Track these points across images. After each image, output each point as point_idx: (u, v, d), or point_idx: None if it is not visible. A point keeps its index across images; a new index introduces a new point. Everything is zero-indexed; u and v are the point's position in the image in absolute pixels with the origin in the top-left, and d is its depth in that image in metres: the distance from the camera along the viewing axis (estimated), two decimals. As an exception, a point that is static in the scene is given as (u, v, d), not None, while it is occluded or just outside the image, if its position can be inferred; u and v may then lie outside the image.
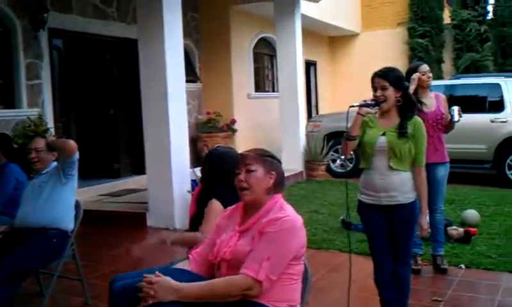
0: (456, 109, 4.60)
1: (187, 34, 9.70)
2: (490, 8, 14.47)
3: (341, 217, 6.42)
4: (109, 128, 9.24)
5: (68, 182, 3.97)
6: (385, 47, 15.17)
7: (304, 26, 10.92)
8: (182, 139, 6.81)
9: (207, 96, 11.10)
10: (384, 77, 3.28)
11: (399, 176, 3.27)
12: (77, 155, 3.95)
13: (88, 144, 9.09)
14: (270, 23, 10.93)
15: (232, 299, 2.24)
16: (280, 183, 2.50)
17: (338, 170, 10.43)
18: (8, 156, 4.89)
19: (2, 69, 7.29)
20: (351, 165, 10.03)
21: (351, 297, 3.51)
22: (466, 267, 4.84)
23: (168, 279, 2.20)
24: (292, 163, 10.11)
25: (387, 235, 3.36)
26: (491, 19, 14.34)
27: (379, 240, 3.38)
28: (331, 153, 10.32)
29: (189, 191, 6.57)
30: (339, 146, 9.51)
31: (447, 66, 14.75)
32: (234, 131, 10.84)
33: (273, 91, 12.73)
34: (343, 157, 10.08)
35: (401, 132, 3.24)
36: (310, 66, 15.20)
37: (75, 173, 4.04)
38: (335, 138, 10.00)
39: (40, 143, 4.08)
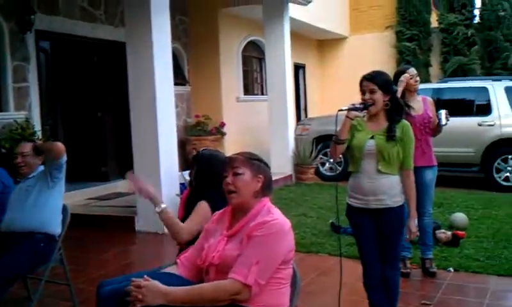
0: (443, 112, 4.63)
1: (175, 37, 9.67)
2: (477, 12, 14.58)
3: (330, 221, 6.43)
4: (97, 131, 9.18)
5: (55, 186, 3.93)
6: (373, 51, 15.24)
7: (293, 29, 10.94)
8: (171, 142, 6.78)
9: (196, 99, 11.07)
10: (373, 80, 3.29)
11: (388, 180, 3.28)
12: (64, 158, 3.92)
13: (76, 147, 9.01)
14: (259, 26, 10.94)
15: (220, 303, 2.22)
16: (267, 187, 2.49)
17: (327, 173, 10.46)
18: (-6, 160, 4.84)
19: (-12, 72, 7.22)
20: (340, 169, 10.05)
21: (341, 301, 3.51)
22: (455, 270, 4.86)
23: (156, 283, 2.18)
24: (281, 166, 10.13)
25: (376, 239, 3.36)
26: (478, 23, 14.46)
27: (368, 244, 3.39)
28: (320, 156, 10.34)
29: (177, 194, 6.53)
30: (328, 150, 9.53)
31: (434, 69, 14.85)
32: (223, 134, 10.82)
33: (262, 94, 12.73)
34: (332, 160, 10.11)
35: (389, 135, 3.26)
36: (298, 69, 15.23)
37: (63, 176, 4.01)
38: (324, 141, 10.02)
39: (26, 148, 4.04)
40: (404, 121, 3.36)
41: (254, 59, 12.80)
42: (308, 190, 9.27)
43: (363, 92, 3.33)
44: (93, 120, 9.14)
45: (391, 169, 3.28)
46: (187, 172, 3.47)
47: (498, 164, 8.89)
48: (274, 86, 10.33)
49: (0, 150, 6.06)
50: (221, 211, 2.61)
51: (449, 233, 5.65)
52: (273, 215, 2.36)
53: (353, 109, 3.25)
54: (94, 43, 8.90)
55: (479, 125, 8.97)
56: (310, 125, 10.93)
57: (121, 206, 7.47)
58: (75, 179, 8.14)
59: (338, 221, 4.47)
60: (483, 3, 14.42)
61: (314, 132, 10.49)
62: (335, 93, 15.12)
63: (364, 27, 15.85)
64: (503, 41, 13.94)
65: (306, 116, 15.03)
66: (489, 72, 13.72)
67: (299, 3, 10.65)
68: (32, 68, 7.62)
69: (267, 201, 2.47)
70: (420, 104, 4.75)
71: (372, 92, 3.27)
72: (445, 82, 10.33)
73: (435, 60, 14.89)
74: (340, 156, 3.38)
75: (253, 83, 12.83)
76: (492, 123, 8.90)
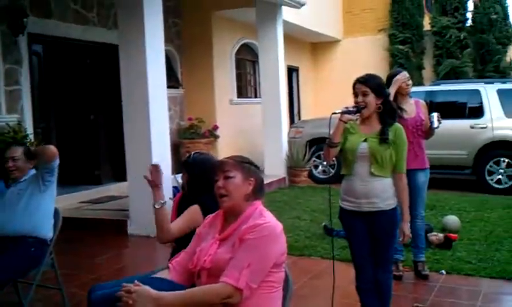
0: (435, 115, 4.65)
1: (168, 39, 9.66)
2: (469, 15, 14.64)
3: (323, 223, 6.44)
4: (90, 134, 9.15)
5: (46, 189, 3.91)
6: (366, 53, 15.27)
7: (286, 32, 10.95)
8: (164, 145, 6.76)
9: (189, 102, 11.05)
10: (366, 83, 3.30)
11: (381, 183, 3.29)
12: (57, 161, 3.90)
13: (68, 150, 8.98)
14: (252, 29, 10.95)
15: (212, 307, 2.22)
16: (259, 190, 2.49)
17: (321, 176, 10.47)
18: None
19: (-20, 75, 7.18)
20: (333, 171, 10.04)
21: (334, 304, 3.51)
22: (447, 272, 4.87)
23: (147, 288, 2.17)
24: (275, 169, 10.14)
25: (368, 242, 3.37)
26: (470, 26, 14.52)
27: (361, 247, 3.39)
28: (314, 159, 10.35)
29: (170, 198, 6.50)
30: (321, 152, 9.54)
31: (427, 72, 14.89)
32: (216, 137, 10.81)
33: (255, 97, 12.73)
34: (325, 163, 10.12)
35: (382, 138, 3.27)
36: (292, 72, 15.25)
37: (54, 180, 3.99)
38: (317, 144, 10.03)
39: (17, 152, 4.01)
40: (397, 125, 3.37)
41: (247, 61, 12.80)
42: (301, 193, 9.27)
43: (355, 94, 3.34)
44: (86, 123, 9.11)
45: (384, 172, 3.28)
46: (180, 175, 3.45)
47: (491, 166, 8.93)
48: (267, 88, 10.34)
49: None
50: (213, 215, 2.60)
51: (441, 235, 5.67)
52: (265, 218, 2.35)
53: (346, 112, 3.25)
54: (87, 46, 8.88)
55: (472, 127, 9.02)
56: (303, 127, 10.95)
57: (114, 210, 7.44)
58: (68, 182, 8.11)
59: (331, 224, 4.47)
60: (475, 6, 14.49)
61: (307, 135, 10.50)
62: (328, 96, 15.14)
63: (357, 30, 15.89)
64: (495, 44, 14.01)
65: (299, 119, 15.04)
66: (482, 75, 13.78)
67: (293, 6, 10.66)
68: (25, 71, 7.58)
69: (259, 204, 2.46)
70: (413, 107, 4.76)
71: (364, 95, 3.28)
72: (438, 84, 10.37)
73: (428, 63, 14.94)
74: (334, 159, 3.38)
75: (247, 86, 12.83)
76: (484, 125, 8.94)
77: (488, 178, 8.95)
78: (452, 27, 14.37)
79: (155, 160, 6.47)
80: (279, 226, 2.36)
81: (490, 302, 4.30)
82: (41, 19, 7.80)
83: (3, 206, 3.90)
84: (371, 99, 3.28)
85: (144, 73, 6.46)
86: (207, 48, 10.90)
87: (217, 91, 11.03)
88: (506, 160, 8.84)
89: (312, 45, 16.43)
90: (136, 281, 2.19)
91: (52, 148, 3.88)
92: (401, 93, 4.69)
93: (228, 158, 2.52)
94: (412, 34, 14.79)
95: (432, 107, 7.95)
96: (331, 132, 3.29)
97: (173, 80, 10.40)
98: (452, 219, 6.30)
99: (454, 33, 14.33)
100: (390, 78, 4.69)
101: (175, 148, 10.12)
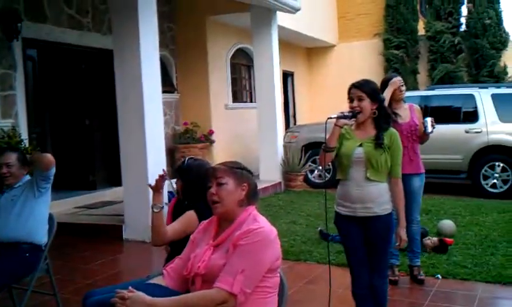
0: (428, 120, 4.66)
1: (163, 44, 9.66)
2: (463, 20, 14.71)
3: (318, 228, 6.43)
4: (85, 139, 9.12)
5: (41, 196, 3.90)
6: (361, 58, 15.32)
7: (281, 37, 10.97)
8: (159, 150, 6.75)
9: (184, 106, 11.05)
10: (361, 88, 3.31)
11: (376, 187, 3.28)
12: (53, 170, 3.89)
13: (63, 156, 8.95)
14: (247, 34, 10.96)
15: (206, 313, 2.21)
16: (252, 195, 2.48)
17: (316, 181, 10.47)
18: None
19: (-26, 80, 7.15)
20: (329, 176, 10.05)
21: (329, 309, 3.50)
22: (443, 277, 4.87)
23: (141, 294, 2.16)
24: (270, 174, 10.14)
25: (364, 247, 3.36)
26: (464, 31, 14.58)
27: (356, 252, 3.39)
28: (309, 163, 10.35)
29: (165, 203, 6.49)
30: (317, 157, 9.53)
31: (422, 76, 14.93)
32: (212, 142, 10.80)
33: (251, 101, 12.73)
34: (320, 167, 10.12)
35: (377, 142, 3.27)
36: (287, 76, 15.26)
37: (49, 187, 3.98)
38: (313, 149, 10.04)
39: (11, 158, 3.98)
40: (392, 130, 3.37)
41: (243, 66, 12.81)
42: (297, 198, 9.27)
43: (351, 99, 3.34)
44: (81, 128, 9.08)
45: (379, 177, 3.29)
46: (175, 180, 3.44)
47: (486, 170, 8.95)
48: (263, 93, 10.35)
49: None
50: (207, 221, 2.60)
51: (435, 239, 5.68)
52: (259, 224, 2.35)
53: (342, 117, 3.26)
54: (81, 51, 8.86)
55: (466, 132, 9.04)
56: (298, 132, 10.96)
57: (109, 215, 7.42)
58: (63, 187, 8.08)
59: (327, 229, 4.47)
60: (469, 11, 14.55)
61: (303, 140, 10.51)
62: (324, 101, 15.17)
63: (352, 35, 15.93)
64: (489, 48, 14.07)
65: (295, 124, 15.06)
66: (476, 79, 13.85)
67: (287, 11, 10.67)
68: (19, 76, 7.55)
69: (252, 210, 2.46)
70: (407, 112, 4.77)
71: (360, 100, 3.29)
72: (433, 89, 10.40)
73: (422, 67, 14.98)
74: (329, 163, 3.38)
75: (242, 90, 12.84)
76: (479, 130, 8.96)
77: (483, 182, 8.97)
78: (446, 32, 14.43)
79: (150, 165, 6.48)
80: (273, 231, 2.36)
81: (486, 307, 4.31)
82: (35, 24, 7.78)
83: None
84: (366, 104, 3.29)
85: (139, 78, 6.45)
86: (201, 53, 10.91)
87: (213, 95, 11.03)
88: (501, 165, 8.86)
89: (307, 50, 16.46)
90: (130, 287, 2.18)
91: (49, 157, 3.87)
92: (395, 99, 4.70)
93: (220, 164, 2.52)
94: (407, 39, 14.84)
95: (427, 111, 7.98)
96: (327, 136, 3.29)
97: (168, 85, 10.39)
98: (448, 224, 6.30)
99: (448, 38, 14.39)
100: (385, 82, 4.70)
101: (171, 153, 10.12)
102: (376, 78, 3.98)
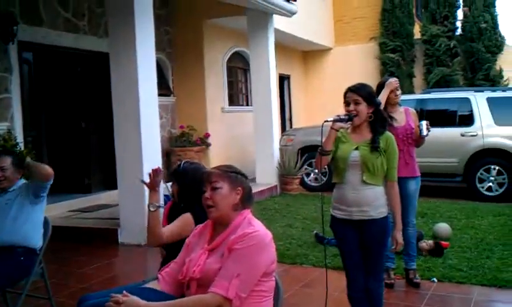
0: (424, 123, 4.67)
1: (160, 47, 9.65)
2: (459, 24, 14.77)
3: (314, 231, 6.43)
4: (81, 142, 9.10)
5: (37, 204, 3.90)
6: (357, 62, 15.34)
7: (277, 40, 10.98)
8: (155, 153, 6.73)
9: (181, 110, 11.04)
10: (357, 91, 3.31)
11: (372, 191, 3.29)
12: (51, 181, 3.88)
13: (59, 159, 8.95)
14: (244, 37, 10.96)
15: (201, 318, 2.20)
16: (247, 199, 2.48)
17: (312, 184, 10.47)
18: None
19: (-31, 82, 7.13)
20: (325, 179, 10.08)
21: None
22: (439, 280, 4.88)
23: (136, 298, 2.15)
24: (267, 177, 10.14)
25: (360, 250, 3.36)
26: (460, 35, 14.64)
27: (352, 256, 3.39)
28: (305, 166, 10.35)
29: (161, 206, 6.48)
30: (313, 160, 9.55)
31: (418, 80, 14.97)
32: (208, 145, 10.79)
33: (247, 104, 12.73)
34: (316, 170, 10.12)
35: (373, 146, 3.27)
36: (283, 80, 15.27)
37: (46, 195, 3.97)
38: (309, 152, 10.03)
39: (6, 161, 3.97)
40: (388, 133, 3.38)
41: (239, 69, 12.81)
42: (293, 201, 9.26)
43: (347, 103, 3.35)
44: (77, 131, 9.06)
45: (375, 180, 3.29)
46: (171, 183, 3.43)
47: (481, 174, 8.97)
48: (259, 96, 10.35)
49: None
50: (202, 225, 2.59)
51: (430, 241, 5.69)
52: (254, 227, 2.34)
53: (338, 120, 3.26)
54: (77, 54, 8.84)
55: (462, 135, 9.06)
56: (294, 135, 10.96)
57: (104, 219, 7.39)
58: (58, 191, 8.01)
59: (324, 232, 4.46)
60: (465, 15, 14.60)
61: (299, 143, 10.51)
62: (320, 104, 15.19)
63: (348, 38, 15.97)
64: (485, 52, 14.13)
65: (291, 127, 15.07)
66: (472, 83, 13.89)
67: (284, 15, 10.69)
68: (15, 79, 7.53)
69: (247, 213, 2.45)
70: (403, 115, 4.78)
71: (356, 103, 3.30)
72: (428, 92, 10.41)
73: (418, 71, 15.02)
74: (325, 167, 3.38)
75: (238, 94, 12.84)
76: (475, 133, 8.98)
77: (478, 185, 8.99)
78: (442, 36, 14.48)
79: (146, 168, 6.46)
80: (268, 234, 2.35)
81: (481, 310, 4.31)
82: (31, 27, 7.77)
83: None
84: (363, 108, 3.30)
85: (135, 81, 6.44)
86: (198, 56, 10.91)
87: (209, 99, 11.03)
88: (496, 168, 8.88)
89: (304, 53, 16.48)
90: (124, 292, 2.17)
91: (49, 169, 3.86)
92: (390, 103, 4.71)
93: (214, 168, 2.52)
94: (402, 43, 14.88)
95: (422, 115, 8.01)
96: (323, 140, 3.30)
97: (164, 88, 10.39)
98: (443, 227, 6.31)
99: (444, 42, 14.44)
100: (381, 86, 4.71)
101: (167, 156, 10.11)
102: (372, 81, 3.99)
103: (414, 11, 15.18)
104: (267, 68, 10.28)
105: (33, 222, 3.88)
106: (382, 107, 4.11)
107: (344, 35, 16.06)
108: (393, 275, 4.86)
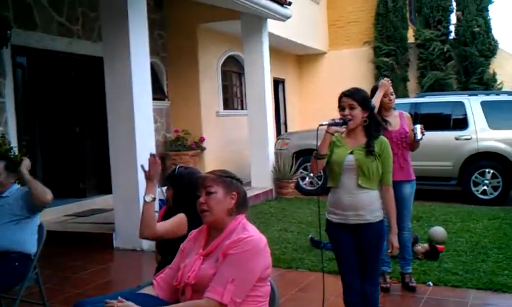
0: (418, 127, 4.68)
1: (154, 52, 9.65)
2: (452, 28, 14.83)
3: (309, 235, 6.42)
4: (75, 147, 9.06)
5: (31, 217, 3.89)
6: (351, 66, 15.38)
7: (272, 44, 10.99)
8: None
9: (175, 114, 11.03)
10: (352, 96, 3.32)
11: (368, 195, 3.29)
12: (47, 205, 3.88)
13: (53, 163, 8.92)
14: (238, 41, 10.97)
15: (196, 323, 2.19)
16: (242, 204, 2.47)
17: (308, 187, 10.48)
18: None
19: (-37, 87, 7.10)
20: (320, 183, 10.09)
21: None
22: (434, 284, 4.88)
23: (131, 304, 2.14)
24: (262, 181, 10.13)
25: (355, 254, 3.36)
26: (454, 39, 14.70)
27: (348, 260, 3.38)
28: (300, 170, 10.35)
29: (156, 211, 6.46)
30: (308, 164, 9.54)
31: (412, 84, 15.02)
32: (203, 149, 10.78)
33: (242, 108, 12.73)
34: (312, 174, 10.13)
35: (368, 150, 3.28)
36: (278, 83, 15.29)
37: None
38: (304, 156, 10.04)
39: (-1, 167, 3.95)
40: (382, 138, 3.38)
41: (233, 73, 12.81)
42: (288, 205, 9.26)
43: (342, 108, 3.35)
44: (71, 136, 9.03)
45: (371, 184, 3.29)
46: (166, 188, 3.42)
47: (476, 177, 8.99)
48: (254, 100, 10.35)
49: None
50: (197, 230, 2.58)
51: (426, 245, 5.70)
52: (248, 232, 2.33)
53: (333, 124, 3.27)
54: (71, 58, 8.82)
55: (456, 138, 9.08)
56: (289, 139, 10.96)
57: (99, 223, 7.37)
58: (53, 195, 8.00)
59: (320, 236, 4.46)
60: (458, 19, 14.67)
61: (294, 147, 10.51)
62: (314, 108, 15.20)
63: (342, 42, 16.01)
64: (478, 56, 14.19)
65: (286, 131, 15.07)
66: (465, 87, 13.95)
67: (278, 19, 10.70)
68: (9, 83, 7.50)
69: (242, 218, 2.44)
70: (397, 119, 4.79)
71: (351, 108, 3.30)
72: (423, 96, 10.45)
73: (412, 75, 15.07)
74: (320, 170, 3.38)
75: (233, 98, 12.84)
76: (469, 137, 9.01)
77: (473, 189, 9.01)
78: (436, 40, 14.53)
79: (140, 173, 6.43)
80: (263, 239, 2.35)
81: (477, 314, 4.31)
82: (25, 31, 7.74)
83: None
84: (358, 112, 3.30)
85: (130, 86, 6.43)
86: (192, 60, 10.90)
87: (204, 103, 11.02)
88: (491, 171, 8.91)
89: (298, 57, 16.51)
90: (119, 297, 2.16)
91: (48, 197, 3.86)
92: (385, 106, 4.72)
93: (209, 172, 2.51)
94: (396, 47, 14.93)
95: (417, 118, 8.02)
96: (318, 143, 3.30)
97: (158, 92, 10.37)
98: (439, 230, 6.32)
99: (438, 46, 14.49)
100: (374, 90, 4.71)
101: (162, 160, 10.04)
102: (366, 85, 4.00)
103: (408, 15, 15.23)
104: (261, 72, 10.29)
105: (28, 227, 3.86)
106: (376, 110, 4.12)
107: (338, 39, 16.10)
108: (389, 279, 4.86)
